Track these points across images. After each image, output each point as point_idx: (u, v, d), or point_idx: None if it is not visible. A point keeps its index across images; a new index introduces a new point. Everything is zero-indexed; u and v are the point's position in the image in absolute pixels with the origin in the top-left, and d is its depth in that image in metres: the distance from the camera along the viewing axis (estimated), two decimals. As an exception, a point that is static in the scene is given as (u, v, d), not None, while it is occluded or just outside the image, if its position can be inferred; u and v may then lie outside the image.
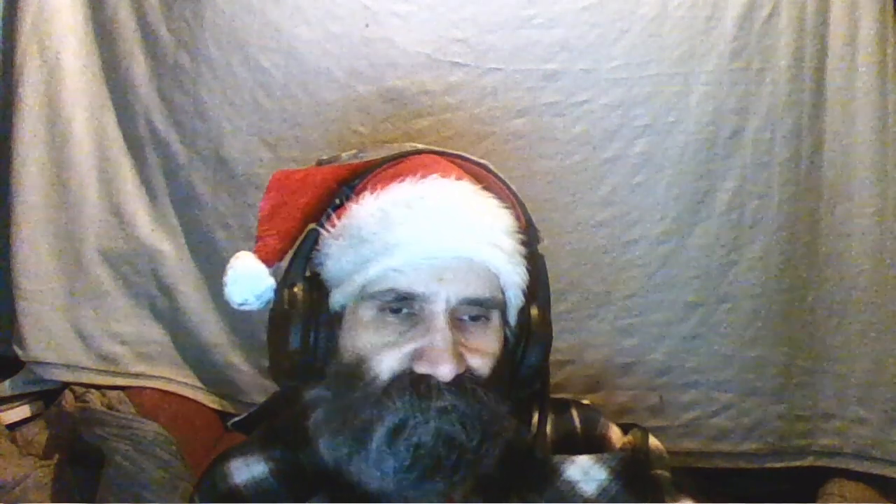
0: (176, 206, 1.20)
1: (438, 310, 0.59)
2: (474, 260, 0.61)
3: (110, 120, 1.19)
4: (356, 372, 0.60)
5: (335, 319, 0.63)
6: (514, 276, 0.64)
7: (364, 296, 0.60)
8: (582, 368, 1.18)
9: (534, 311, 0.67)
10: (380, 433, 0.57)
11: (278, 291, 0.63)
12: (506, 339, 0.66)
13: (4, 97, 1.18)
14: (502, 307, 0.65)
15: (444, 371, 0.57)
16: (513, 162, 1.14)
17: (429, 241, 0.60)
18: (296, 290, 0.62)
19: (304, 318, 0.61)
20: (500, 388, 0.62)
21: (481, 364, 0.61)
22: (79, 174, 1.17)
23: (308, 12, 1.13)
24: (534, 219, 0.71)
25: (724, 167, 1.16)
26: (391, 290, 0.59)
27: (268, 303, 0.65)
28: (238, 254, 0.66)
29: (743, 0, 1.13)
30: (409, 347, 0.59)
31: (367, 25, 1.13)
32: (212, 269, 1.19)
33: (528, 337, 0.66)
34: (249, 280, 0.64)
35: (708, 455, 1.17)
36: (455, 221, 0.61)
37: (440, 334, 0.58)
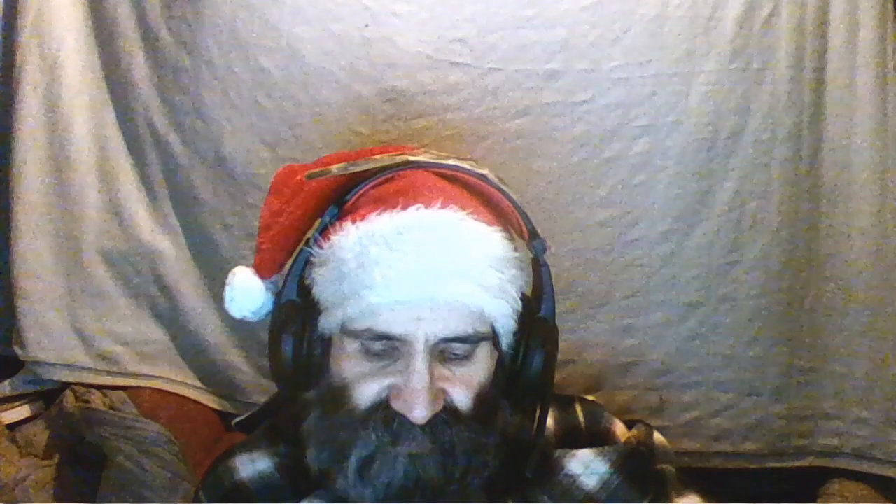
0: (176, 206, 1.20)
1: (416, 350, 0.58)
2: (453, 300, 0.60)
3: (110, 120, 1.19)
4: (341, 399, 0.60)
5: (326, 341, 0.63)
6: (500, 309, 0.62)
7: (344, 330, 0.60)
8: (582, 368, 1.18)
9: (537, 323, 0.66)
10: (353, 461, 0.58)
11: (274, 306, 0.65)
12: (500, 359, 0.65)
13: (4, 97, 1.18)
14: (490, 337, 0.63)
15: (418, 414, 0.57)
16: (513, 162, 1.14)
17: (405, 284, 0.58)
18: (288, 308, 0.63)
19: (295, 337, 0.61)
20: (488, 410, 0.62)
21: (464, 395, 0.60)
22: (79, 174, 1.17)
23: (308, 12, 1.13)
24: (534, 219, 0.70)
25: (724, 167, 1.15)
26: (368, 330, 0.59)
27: (267, 315, 0.66)
28: (235, 269, 0.67)
29: (743, 0, 1.13)
30: (386, 382, 0.59)
31: (367, 25, 1.13)
32: (212, 269, 1.19)
33: (528, 349, 0.65)
34: (246, 296, 0.66)
35: (708, 455, 1.17)
36: (434, 262, 0.59)
37: (416, 376, 0.57)
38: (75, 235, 1.18)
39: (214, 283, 1.19)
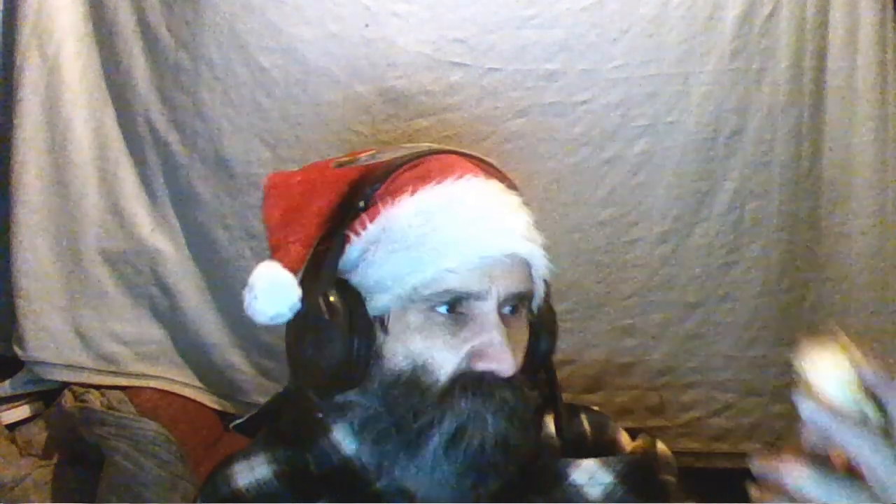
0: (176, 206, 1.20)
1: (490, 308, 0.59)
2: (517, 255, 0.62)
3: (110, 120, 1.19)
4: (411, 378, 0.59)
5: (375, 325, 0.61)
6: (543, 268, 0.65)
7: (414, 298, 0.59)
8: (582, 368, 1.18)
9: (546, 305, 0.69)
10: (438, 439, 0.57)
11: (309, 300, 0.60)
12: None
13: (4, 97, 1.18)
14: (532, 298, 0.65)
15: (507, 367, 0.57)
16: (513, 162, 1.14)
17: (479, 241, 0.60)
18: (332, 298, 0.59)
19: (347, 326, 0.58)
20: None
21: (520, 354, 0.62)
22: (79, 174, 1.17)
23: (308, 12, 1.13)
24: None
25: (724, 167, 1.16)
26: (447, 291, 0.58)
27: (294, 313, 0.61)
28: (262, 265, 0.62)
29: (743, 0, 1.13)
30: (465, 347, 0.59)
31: (367, 25, 1.13)
32: (212, 269, 1.19)
33: (542, 323, 0.67)
34: (281, 291, 0.61)
35: (708, 455, 1.17)
36: (498, 219, 0.62)
37: (497, 331, 0.58)
38: (75, 235, 1.18)
39: (214, 283, 1.19)
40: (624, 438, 0.75)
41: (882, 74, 1.14)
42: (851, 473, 0.44)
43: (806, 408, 0.44)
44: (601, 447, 0.73)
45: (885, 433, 0.44)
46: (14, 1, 1.15)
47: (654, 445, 0.73)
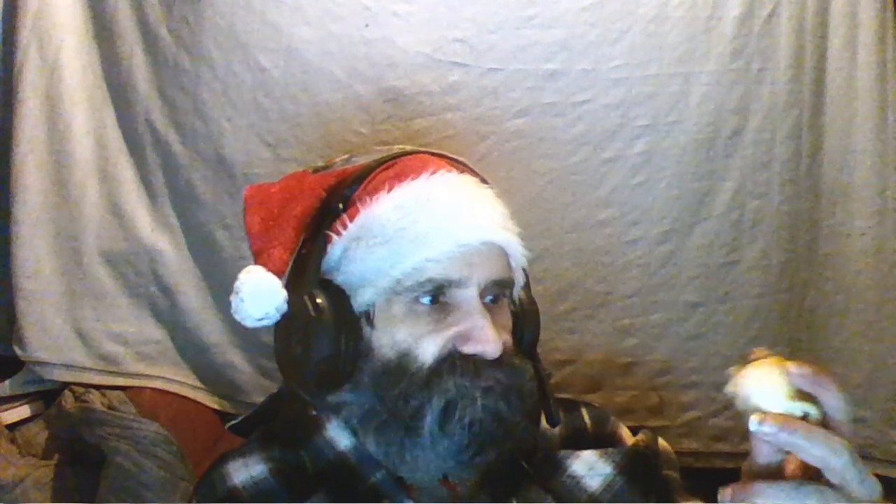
0: (176, 206, 1.20)
1: (472, 294, 0.61)
2: (494, 243, 0.64)
3: (110, 119, 1.19)
4: (398, 366, 0.60)
5: (361, 321, 0.63)
6: (521, 258, 0.67)
7: (397, 290, 0.61)
8: (582, 368, 1.17)
9: (521, 292, 0.71)
10: (430, 417, 0.58)
11: (295, 301, 0.62)
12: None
13: (4, 97, 1.18)
14: (512, 287, 0.67)
15: (493, 349, 0.59)
16: (513, 162, 1.14)
17: (456, 230, 0.62)
18: (318, 297, 0.61)
19: (333, 323, 0.60)
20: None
21: (507, 340, 0.63)
22: (79, 174, 1.17)
23: (308, 12, 1.13)
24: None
25: (724, 167, 1.16)
26: (429, 281, 0.60)
27: (281, 315, 0.64)
28: (247, 269, 0.65)
29: (743, 0, 1.13)
30: (450, 332, 0.60)
31: (367, 25, 1.13)
32: (212, 269, 1.19)
33: (524, 314, 0.70)
34: (267, 293, 0.63)
35: (708, 455, 1.17)
36: (473, 209, 0.64)
37: (480, 315, 0.60)
38: (75, 235, 1.18)
39: (214, 283, 1.19)
40: (625, 433, 0.76)
41: (882, 74, 1.14)
42: (809, 475, 0.45)
43: (752, 424, 0.45)
44: (601, 441, 0.73)
45: (825, 426, 0.46)
46: (14, 1, 1.15)
47: (655, 440, 0.74)
